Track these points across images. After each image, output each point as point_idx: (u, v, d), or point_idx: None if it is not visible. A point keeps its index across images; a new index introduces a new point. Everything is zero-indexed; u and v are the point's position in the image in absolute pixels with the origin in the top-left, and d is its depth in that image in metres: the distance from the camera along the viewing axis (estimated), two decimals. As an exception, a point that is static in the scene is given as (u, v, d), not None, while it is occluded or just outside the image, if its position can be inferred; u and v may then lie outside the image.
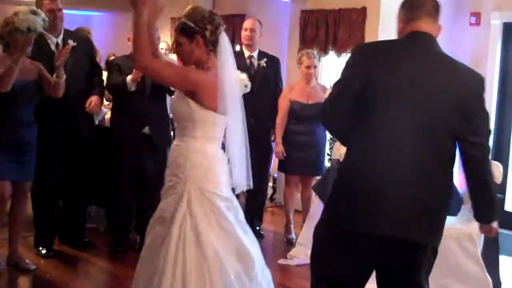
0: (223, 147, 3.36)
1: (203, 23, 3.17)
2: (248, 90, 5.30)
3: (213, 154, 3.25)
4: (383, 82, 2.66)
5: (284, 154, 5.72)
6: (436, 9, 2.82)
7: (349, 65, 2.81)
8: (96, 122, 5.90)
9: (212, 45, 3.21)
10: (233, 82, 3.30)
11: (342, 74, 2.82)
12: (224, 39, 3.25)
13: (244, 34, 5.76)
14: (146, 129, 5.05)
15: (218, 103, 3.19)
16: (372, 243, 2.65)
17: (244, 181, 3.39)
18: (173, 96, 3.45)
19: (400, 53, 2.75)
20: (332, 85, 3.12)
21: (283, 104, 5.76)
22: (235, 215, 3.25)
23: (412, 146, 2.62)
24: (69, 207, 5.24)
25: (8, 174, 4.47)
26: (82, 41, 5.13)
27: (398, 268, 2.74)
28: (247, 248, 3.20)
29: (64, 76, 4.50)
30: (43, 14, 4.30)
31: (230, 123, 3.31)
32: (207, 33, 3.18)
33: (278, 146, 5.76)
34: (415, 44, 2.75)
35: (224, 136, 3.35)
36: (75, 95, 4.87)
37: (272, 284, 3.37)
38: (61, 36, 4.90)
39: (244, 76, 5.21)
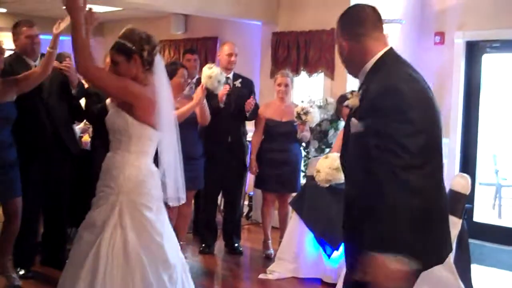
0: (155, 162, 3.48)
1: (141, 44, 3.34)
2: (221, 87, 5.44)
3: (147, 169, 3.38)
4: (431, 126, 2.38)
5: (257, 170, 5.87)
6: (378, 18, 2.51)
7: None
8: (79, 134, 5.97)
9: (149, 64, 3.37)
10: (168, 100, 3.46)
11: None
12: (159, 61, 3.43)
13: (229, 59, 5.88)
14: None
15: (155, 119, 3.34)
16: None
17: (176, 194, 3.55)
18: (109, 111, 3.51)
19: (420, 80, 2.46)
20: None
21: (259, 122, 5.92)
22: (161, 226, 3.38)
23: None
24: (50, 228, 5.29)
25: None
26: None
27: None
28: (170, 258, 3.33)
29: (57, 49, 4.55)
30: None
31: (165, 139, 3.46)
32: (145, 53, 3.34)
33: (252, 162, 5.92)
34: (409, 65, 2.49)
35: (157, 151, 3.47)
36: (52, 110, 4.96)
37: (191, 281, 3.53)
38: (38, 60, 4.98)
39: (217, 70, 5.35)
